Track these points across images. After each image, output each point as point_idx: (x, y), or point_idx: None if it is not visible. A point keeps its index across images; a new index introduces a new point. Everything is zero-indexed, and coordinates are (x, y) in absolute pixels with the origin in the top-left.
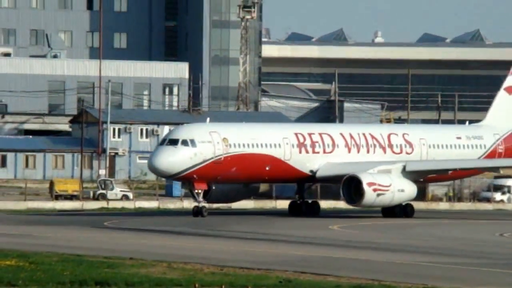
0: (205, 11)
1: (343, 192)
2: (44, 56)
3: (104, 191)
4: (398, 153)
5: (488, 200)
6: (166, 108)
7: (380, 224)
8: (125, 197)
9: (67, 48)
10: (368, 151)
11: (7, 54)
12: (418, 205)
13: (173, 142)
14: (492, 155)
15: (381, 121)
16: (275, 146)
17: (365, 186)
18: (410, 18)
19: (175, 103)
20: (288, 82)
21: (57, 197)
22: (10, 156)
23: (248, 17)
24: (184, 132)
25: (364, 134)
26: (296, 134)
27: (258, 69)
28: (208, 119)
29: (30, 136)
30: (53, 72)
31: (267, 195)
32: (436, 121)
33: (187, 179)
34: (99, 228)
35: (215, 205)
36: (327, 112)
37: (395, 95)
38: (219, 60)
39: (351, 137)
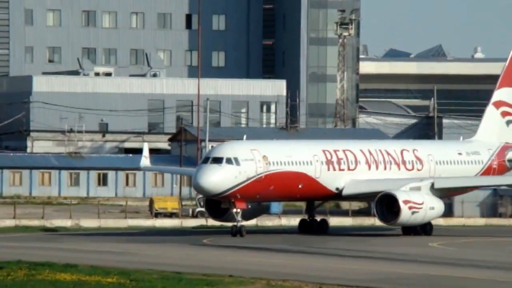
0: (302, 29)
1: (377, 210)
2: (143, 75)
3: (203, 209)
4: (410, 170)
5: None
6: (264, 125)
7: (480, 241)
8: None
9: (166, 67)
10: (385, 168)
11: (108, 74)
12: None
13: (217, 160)
14: (488, 170)
15: None
16: (306, 163)
17: (401, 204)
18: (510, 33)
19: (272, 121)
20: (386, 98)
21: (157, 215)
22: (111, 174)
23: (346, 34)
24: (228, 150)
25: (380, 151)
26: (324, 151)
27: (356, 86)
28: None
29: (130, 155)
30: (153, 91)
31: (364, 212)
32: None
33: (230, 198)
34: (198, 245)
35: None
36: (425, 129)
37: None
38: (316, 77)
39: (370, 153)
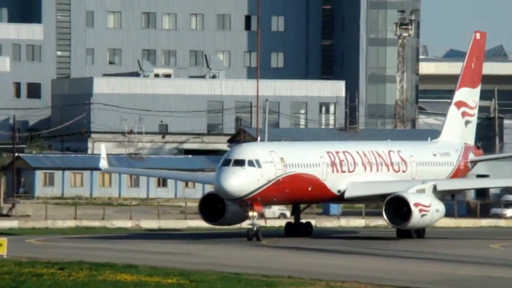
0: (361, 29)
1: (386, 212)
2: (203, 77)
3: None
4: (397, 171)
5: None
6: (323, 127)
7: None
8: (283, 216)
9: (225, 68)
10: (377, 170)
11: (167, 75)
12: None
13: (239, 163)
14: (457, 171)
15: None
16: (315, 165)
17: (412, 207)
18: None
19: (331, 122)
20: (445, 99)
21: None
22: None
23: (405, 34)
24: (249, 152)
25: (372, 152)
26: (328, 153)
27: (415, 87)
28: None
29: (190, 156)
30: (212, 92)
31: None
32: None
33: (251, 201)
34: (257, 246)
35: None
36: (486, 129)
37: None
38: (375, 78)
39: (365, 155)
